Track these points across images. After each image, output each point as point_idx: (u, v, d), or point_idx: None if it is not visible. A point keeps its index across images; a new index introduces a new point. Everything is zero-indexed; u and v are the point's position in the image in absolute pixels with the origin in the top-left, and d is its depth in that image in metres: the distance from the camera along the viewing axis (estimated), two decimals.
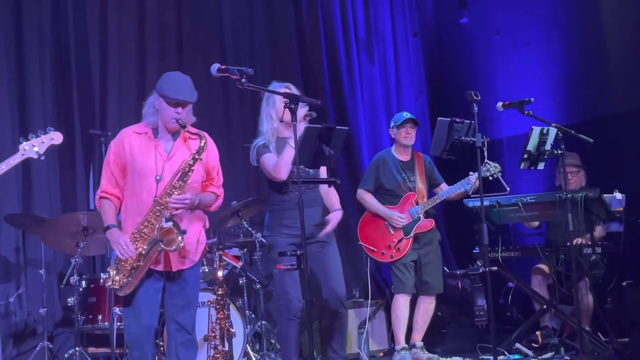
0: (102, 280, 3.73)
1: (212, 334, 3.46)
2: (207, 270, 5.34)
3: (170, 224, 3.60)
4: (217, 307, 3.54)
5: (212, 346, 3.44)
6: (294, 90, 4.32)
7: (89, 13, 6.19)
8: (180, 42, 6.60)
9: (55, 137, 4.23)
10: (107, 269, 3.79)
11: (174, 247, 3.56)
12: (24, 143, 4.15)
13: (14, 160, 4.12)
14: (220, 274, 3.62)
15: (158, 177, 3.81)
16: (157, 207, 3.71)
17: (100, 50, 6.16)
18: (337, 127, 3.70)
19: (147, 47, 6.43)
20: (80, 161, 6.02)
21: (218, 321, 3.49)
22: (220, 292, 3.56)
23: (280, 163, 4.34)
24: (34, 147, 4.14)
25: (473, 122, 4.45)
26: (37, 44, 5.96)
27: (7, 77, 5.83)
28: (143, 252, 3.64)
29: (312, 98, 3.85)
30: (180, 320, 3.88)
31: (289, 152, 4.24)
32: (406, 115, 5.63)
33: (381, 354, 5.93)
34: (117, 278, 3.67)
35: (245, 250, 5.84)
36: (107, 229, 3.81)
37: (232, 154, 6.57)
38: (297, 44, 6.97)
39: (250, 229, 5.77)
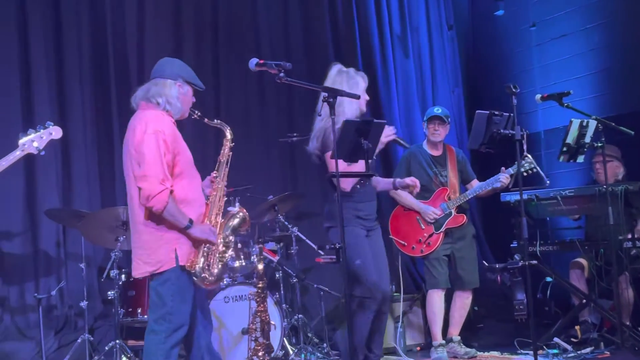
0: (195, 279, 3.61)
1: (253, 327, 3.47)
2: (244, 264, 5.39)
3: (237, 207, 3.64)
4: (258, 299, 3.55)
5: (253, 338, 3.44)
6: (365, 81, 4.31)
7: (126, 10, 6.25)
8: (216, 38, 6.63)
9: (55, 132, 4.25)
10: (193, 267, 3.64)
11: (245, 229, 3.60)
12: (24, 139, 4.17)
13: (14, 156, 4.14)
14: (260, 266, 3.63)
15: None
16: (221, 195, 3.74)
17: (137, 48, 6.23)
18: (375, 120, 3.68)
19: (184, 43, 6.48)
20: (118, 156, 6.07)
21: (258, 314, 3.50)
22: (260, 285, 3.57)
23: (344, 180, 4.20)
24: (33, 142, 4.17)
25: (512, 114, 4.40)
26: (75, 43, 6.06)
27: (47, 75, 5.92)
28: (228, 239, 3.62)
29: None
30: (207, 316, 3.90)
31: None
32: (436, 111, 5.60)
33: (418, 349, 5.93)
34: (215, 272, 3.62)
35: (281, 244, 5.87)
36: (192, 223, 3.59)
37: (268, 149, 6.61)
38: (332, 39, 6.97)
39: (286, 223, 5.80)
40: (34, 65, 5.86)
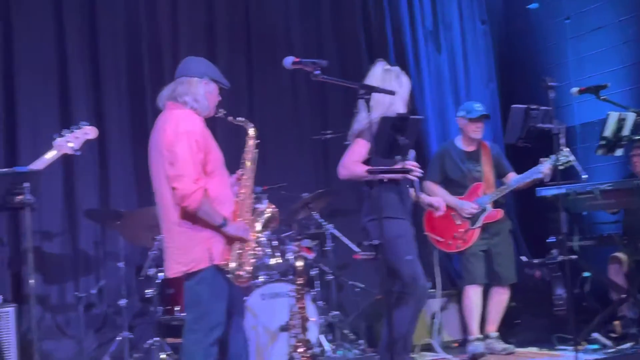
0: (230, 275, 3.63)
1: (292, 323, 3.50)
2: (280, 261, 5.42)
3: (266, 204, 3.69)
4: (297, 296, 3.58)
5: (293, 335, 3.47)
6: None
7: (159, 13, 6.32)
8: (248, 38, 6.67)
9: (90, 132, 4.30)
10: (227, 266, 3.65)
11: (274, 225, 3.64)
12: (58, 139, 4.21)
13: (50, 157, 4.18)
14: (299, 263, 3.66)
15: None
16: (250, 192, 3.77)
17: (172, 49, 6.29)
18: (411, 116, 3.68)
19: (216, 44, 6.52)
20: None
21: (299, 310, 3.53)
22: (300, 282, 3.60)
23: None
24: (68, 143, 4.22)
25: (550, 108, 4.37)
26: (111, 47, 6.13)
27: (83, 79, 6.01)
28: (260, 236, 3.67)
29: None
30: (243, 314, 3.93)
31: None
32: (478, 108, 5.55)
33: (455, 345, 5.90)
34: (248, 269, 3.63)
35: (316, 241, 5.88)
36: (226, 221, 3.59)
37: (301, 148, 6.63)
38: (364, 36, 6.96)
39: (320, 220, 5.81)
40: (70, 69, 5.95)
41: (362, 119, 4.16)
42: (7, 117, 5.71)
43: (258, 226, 3.76)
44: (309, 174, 6.61)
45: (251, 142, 3.88)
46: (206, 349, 3.60)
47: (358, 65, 6.67)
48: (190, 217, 3.60)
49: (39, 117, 5.78)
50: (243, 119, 3.89)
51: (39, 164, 4.14)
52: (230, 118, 3.86)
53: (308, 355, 3.40)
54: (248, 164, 3.87)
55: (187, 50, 6.27)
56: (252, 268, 3.66)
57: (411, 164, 3.94)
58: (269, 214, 3.77)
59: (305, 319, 3.52)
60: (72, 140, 4.21)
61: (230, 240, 3.65)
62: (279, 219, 4.63)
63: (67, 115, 5.84)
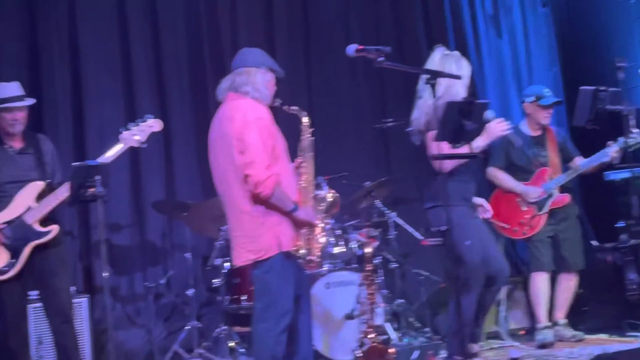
0: (301, 260, 3.67)
1: (363, 310, 3.52)
2: (343, 250, 5.43)
3: (326, 190, 3.73)
4: (367, 282, 3.60)
5: (364, 321, 3.50)
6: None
7: (220, 8, 6.37)
8: (307, 27, 6.68)
9: (155, 125, 4.38)
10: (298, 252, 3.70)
11: (335, 211, 3.69)
12: (125, 133, 4.30)
13: (116, 150, 4.28)
14: (368, 250, 3.67)
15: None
16: (311, 179, 3.81)
17: (231, 40, 6.34)
18: (477, 100, 3.64)
19: (275, 34, 6.55)
20: None
21: (368, 296, 3.55)
22: (369, 268, 3.61)
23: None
24: (134, 136, 4.31)
25: (619, 90, 4.26)
26: (173, 44, 6.22)
27: (147, 75, 6.12)
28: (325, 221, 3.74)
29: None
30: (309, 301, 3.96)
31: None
32: (549, 94, 5.45)
33: (522, 332, 5.83)
34: (317, 254, 3.68)
35: (379, 230, 5.87)
36: (297, 206, 3.66)
37: (361, 136, 6.62)
38: (423, 22, 6.90)
39: (383, 208, 5.80)
40: (134, 64, 6.06)
41: (426, 105, 4.15)
42: (74, 112, 5.85)
43: (321, 212, 3.78)
44: (370, 162, 6.59)
45: (306, 130, 3.91)
46: (277, 337, 3.64)
47: (417, 52, 6.63)
48: (260, 204, 3.64)
49: (105, 111, 5.92)
50: (297, 108, 3.92)
51: (107, 158, 4.25)
52: (285, 107, 3.89)
53: (379, 340, 3.40)
54: (306, 151, 3.92)
55: (246, 42, 6.30)
56: (320, 253, 3.69)
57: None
58: (331, 199, 3.81)
59: (374, 305, 3.53)
60: (138, 133, 4.31)
61: (298, 225, 3.69)
62: (341, 205, 4.72)
63: (132, 110, 5.96)
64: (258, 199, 3.62)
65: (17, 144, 4.31)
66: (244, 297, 5.35)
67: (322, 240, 3.75)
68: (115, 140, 4.37)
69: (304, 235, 3.71)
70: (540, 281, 5.39)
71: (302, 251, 3.64)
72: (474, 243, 4.14)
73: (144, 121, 4.34)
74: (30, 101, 4.35)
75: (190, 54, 6.28)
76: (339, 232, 5.44)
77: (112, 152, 4.27)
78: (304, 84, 6.56)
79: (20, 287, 4.21)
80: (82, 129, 5.86)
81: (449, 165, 4.10)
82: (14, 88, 4.30)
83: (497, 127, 4.17)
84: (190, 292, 5.55)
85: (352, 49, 3.66)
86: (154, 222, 5.99)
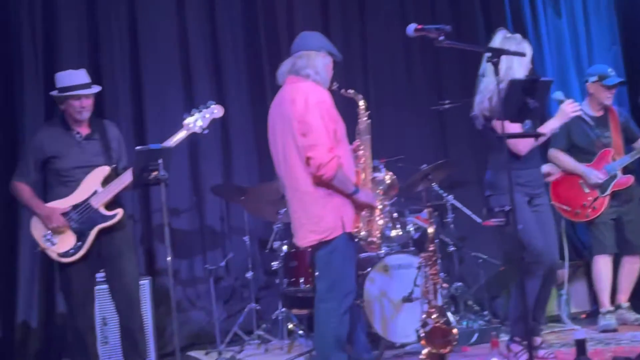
0: (362, 242, 3.70)
1: (426, 290, 3.52)
2: (400, 233, 5.42)
3: (384, 173, 3.79)
4: (429, 263, 3.59)
5: (426, 301, 3.50)
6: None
7: None
8: (362, 10, 6.65)
9: (218, 111, 4.45)
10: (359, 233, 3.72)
11: (393, 193, 3.71)
12: (188, 119, 4.38)
13: (179, 136, 4.35)
14: (431, 230, 3.66)
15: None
16: (369, 162, 3.83)
17: (287, 24, 6.36)
18: (542, 78, 3.58)
19: (331, 18, 6.54)
20: None
21: (430, 277, 3.54)
22: (431, 248, 3.60)
23: (523, 142, 4.15)
24: (197, 122, 4.37)
25: None
26: (229, 26, 6.27)
27: (204, 57, 6.18)
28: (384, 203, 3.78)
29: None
30: None
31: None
32: (612, 73, 5.32)
33: (583, 316, 5.75)
34: (378, 235, 3.71)
35: (436, 213, 5.84)
36: (357, 190, 3.68)
37: (418, 119, 6.58)
38: (480, 2, 6.80)
39: (440, 191, 5.76)
40: (192, 49, 6.13)
41: (488, 90, 4.11)
42: (134, 99, 5.94)
43: (380, 194, 3.79)
44: (427, 145, 6.54)
45: (363, 113, 3.92)
46: (340, 317, 3.66)
47: (474, 32, 6.56)
48: (323, 186, 3.67)
49: (164, 97, 5.99)
50: (353, 91, 3.94)
51: (169, 143, 4.33)
52: (342, 91, 3.92)
53: (442, 321, 3.38)
54: (363, 134, 3.93)
55: (302, 26, 6.31)
56: (380, 235, 3.70)
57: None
58: (389, 182, 3.81)
59: (437, 286, 3.52)
60: (201, 119, 4.37)
61: (359, 208, 3.71)
62: (399, 187, 4.72)
63: (190, 95, 6.04)
64: (320, 181, 3.64)
65: (84, 130, 4.39)
66: (301, 280, 5.40)
67: (381, 222, 3.75)
68: (174, 125, 4.44)
69: (365, 217, 3.72)
70: (603, 264, 5.28)
71: (362, 233, 3.66)
72: (528, 228, 4.10)
73: (207, 107, 4.42)
74: (96, 89, 4.43)
75: (246, 39, 6.32)
76: (395, 215, 5.43)
77: (177, 138, 4.35)
78: (360, 67, 6.54)
79: (87, 269, 4.30)
80: (141, 115, 5.95)
81: (524, 148, 4.08)
82: (81, 76, 4.38)
83: (569, 108, 4.12)
84: (248, 274, 5.62)
85: (411, 28, 3.63)
86: (213, 206, 6.07)
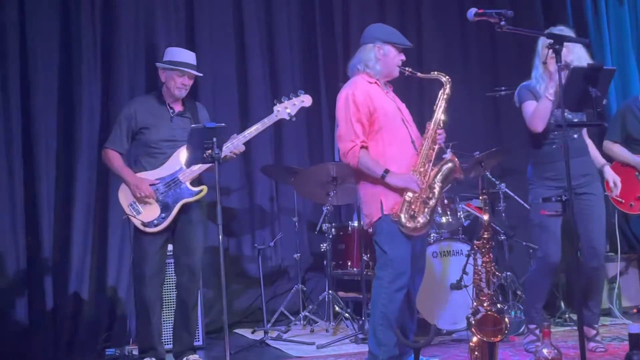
0: (401, 228, 3.75)
1: (478, 277, 3.49)
2: (450, 220, 5.39)
3: (449, 155, 3.82)
4: (483, 250, 3.55)
5: (480, 289, 3.47)
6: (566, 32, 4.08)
7: None
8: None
9: (306, 100, 4.52)
10: (394, 214, 3.76)
11: (456, 176, 3.70)
12: (278, 105, 4.47)
13: (269, 120, 4.45)
14: (486, 217, 3.62)
15: (404, 120, 3.94)
16: (432, 144, 3.85)
17: (342, 15, 6.38)
18: (604, 67, 3.49)
19: (387, 8, 6.51)
20: (325, 115, 6.26)
21: (484, 264, 3.51)
22: (486, 236, 3.57)
23: (534, 115, 4.25)
24: (286, 109, 4.45)
25: None
26: (285, 22, 6.30)
27: (259, 42, 6.21)
28: (434, 186, 3.78)
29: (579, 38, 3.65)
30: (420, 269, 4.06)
31: (544, 104, 4.18)
32: None
33: (634, 310, 5.65)
34: (421, 220, 3.74)
35: (488, 200, 5.76)
36: (387, 173, 3.74)
37: (472, 104, 6.50)
38: None
39: (493, 179, 5.69)
40: (247, 32, 6.16)
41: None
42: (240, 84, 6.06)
43: (438, 177, 3.79)
44: (481, 132, 6.48)
45: (442, 94, 3.96)
46: (390, 295, 3.76)
47: (532, 17, 6.44)
48: (364, 174, 3.84)
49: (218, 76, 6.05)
50: (435, 73, 3.99)
51: (258, 127, 4.43)
52: (419, 74, 3.97)
53: (493, 309, 3.35)
54: (435, 115, 3.94)
55: (357, 17, 6.34)
56: (427, 219, 3.73)
57: None
58: (450, 165, 3.79)
59: (491, 273, 3.48)
60: (290, 106, 4.44)
61: (401, 192, 3.78)
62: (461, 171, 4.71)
63: (245, 78, 6.07)
64: (353, 169, 3.88)
65: (177, 107, 4.51)
66: (349, 263, 5.41)
67: (428, 205, 3.75)
68: (265, 109, 4.50)
69: (406, 201, 3.76)
70: None
71: (402, 216, 3.72)
72: (543, 225, 4.25)
73: (297, 96, 4.49)
74: (200, 73, 4.57)
75: (302, 30, 6.36)
76: (446, 201, 5.39)
77: (263, 122, 4.43)
78: (414, 55, 6.47)
79: (161, 241, 4.40)
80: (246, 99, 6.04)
81: (538, 124, 4.19)
82: (190, 56, 4.52)
83: None
84: (296, 255, 5.65)
85: (472, 12, 3.61)
86: (263, 187, 6.11)
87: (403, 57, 3.99)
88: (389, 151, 3.83)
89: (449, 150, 3.89)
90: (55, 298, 5.13)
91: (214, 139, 3.92)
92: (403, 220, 3.72)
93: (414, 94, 6.26)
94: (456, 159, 3.86)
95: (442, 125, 3.92)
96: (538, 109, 4.21)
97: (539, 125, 4.23)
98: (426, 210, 3.76)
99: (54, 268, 5.16)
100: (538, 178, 4.38)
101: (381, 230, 3.83)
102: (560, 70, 3.35)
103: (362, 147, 3.80)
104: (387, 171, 3.76)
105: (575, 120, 4.22)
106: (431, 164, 3.85)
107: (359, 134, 3.80)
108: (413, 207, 3.75)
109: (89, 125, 5.35)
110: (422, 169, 3.82)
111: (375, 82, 3.94)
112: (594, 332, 4.39)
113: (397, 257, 3.78)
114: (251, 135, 4.43)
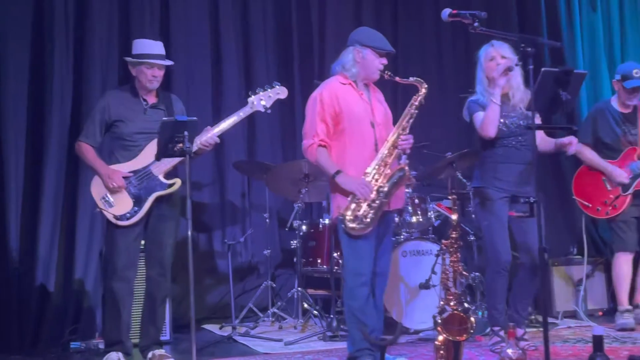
0: (342, 226, 3.81)
1: (446, 277, 3.51)
2: (420, 219, 5.41)
3: (406, 161, 3.85)
4: (451, 250, 3.58)
5: (446, 288, 3.49)
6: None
7: None
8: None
9: (281, 92, 4.49)
10: (339, 214, 3.85)
11: (411, 182, 3.75)
12: (253, 97, 4.42)
13: (244, 113, 4.41)
14: (455, 217, 3.64)
15: (372, 123, 3.97)
16: (391, 148, 3.88)
17: (319, 13, 6.38)
18: (575, 70, 3.53)
19: (362, 6, 6.51)
20: (299, 112, 6.24)
21: (451, 264, 3.53)
22: (454, 235, 3.59)
23: (484, 122, 4.35)
24: (261, 100, 4.41)
25: None
26: (261, 15, 6.26)
27: (235, 38, 6.17)
28: (383, 189, 3.80)
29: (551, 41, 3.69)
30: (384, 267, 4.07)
31: (492, 109, 4.30)
32: (637, 74, 5.21)
33: (600, 313, 5.72)
34: (366, 221, 3.79)
35: (458, 201, 5.79)
36: (338, 174, 3.84)
37: (445, 105, 6.53)
38: None
39: (464, 180, 5.73)
40: (222, 25, 6.12)
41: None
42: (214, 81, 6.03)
43: (389, 182, 3.84)
44: (451, 132, 6.50)
45: (415, 99, 4.04)
46: (349, 292, 3.87)
47: (507, 22, 6.48)
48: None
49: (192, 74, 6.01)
50: (413, 79, 4.06)
51: (231, 121, 4.40)
52: (397, 79, 4.03)
53: (459, 309, 3.38)
54: (400, 121, 4.01)
55: (333, 16, 6.33)
56: (369, 220, 3.79)
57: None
58: (400, 173, 3.83)
59: (458, 273, 3.51)
60: (265, 98, 4.40)
61: (344, 192, 3.87)
62: (421, 175, 4.75)
63: (219, 72, 6.04)
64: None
65: (151, 99, 4.46)
66: (319, 260, 5.41)
67: (373, 207, 3.80)
68: (239, 104, 4.48)
69: (352, 202, 3.83)
70: (623, 262, 5.24)
71: (347, 217, 3.79)
72: (490, 226, 4.34)
73: (272, 87, 4.44)
74: (169, 62, 4.51)
75: (277, 15, 6.32)
76: (417, 201, 5.42)
77: (238, 114, 4.40)
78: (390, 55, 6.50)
79: (134, 234, 4.35)
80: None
81: (488, 129, 4.29)
82: (157, 46, 4.46)
83: None
84: (266, 252, 5.63)
85: (446, 13, 3.68)
86: (234, 182, 6.08)
87: (384, 61, 4.03)
88: (348, 152, 3.92)
89: (404, 156, 3.89)
90: (20, 289, 5.06)
91: (185, 133, 3.89)
92: (346, 220, 3.80)
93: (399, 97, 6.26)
94: (407, 168, 3.90)
95: (406, 130, 3.97)
96: (487, 115, 4.31)
97: (490, 131, 4.30)
98: (371, 212, 3.81)
99: (20, 259, 5.09)
100: (489, 178, 4.43)
101: (340, 229, 3.93)
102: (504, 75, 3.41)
103: (320, 145, 3.89)
104: (338, 172, 3.85)
105: (521, 122, 4.35)
106: (387, 167, 3.89)
107: (319, 132, 3.90)
108: (357, 208, 3.82)
109: (60, 115, 5.28)
110: (375, 172, 3.87)
111: (350, 84, 4.00)
112: (522, 331, 4.49)
113: (351, 257, 3.88)
114: (226, 127, 4.39)
